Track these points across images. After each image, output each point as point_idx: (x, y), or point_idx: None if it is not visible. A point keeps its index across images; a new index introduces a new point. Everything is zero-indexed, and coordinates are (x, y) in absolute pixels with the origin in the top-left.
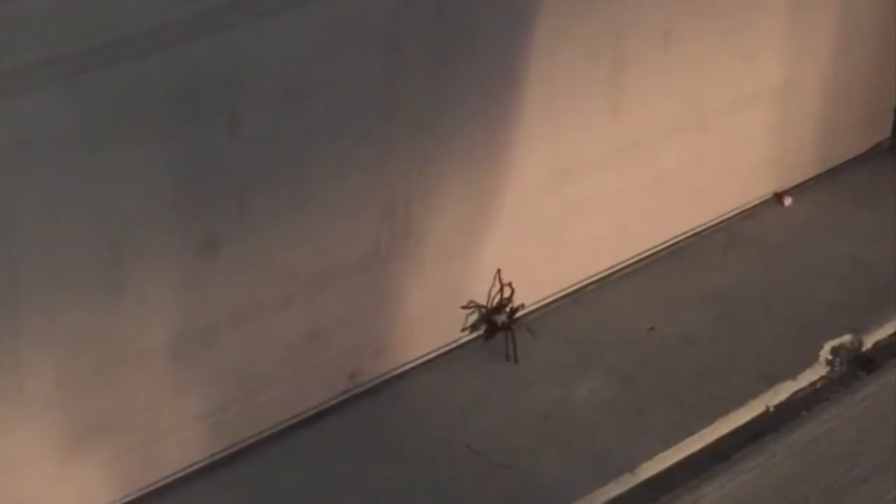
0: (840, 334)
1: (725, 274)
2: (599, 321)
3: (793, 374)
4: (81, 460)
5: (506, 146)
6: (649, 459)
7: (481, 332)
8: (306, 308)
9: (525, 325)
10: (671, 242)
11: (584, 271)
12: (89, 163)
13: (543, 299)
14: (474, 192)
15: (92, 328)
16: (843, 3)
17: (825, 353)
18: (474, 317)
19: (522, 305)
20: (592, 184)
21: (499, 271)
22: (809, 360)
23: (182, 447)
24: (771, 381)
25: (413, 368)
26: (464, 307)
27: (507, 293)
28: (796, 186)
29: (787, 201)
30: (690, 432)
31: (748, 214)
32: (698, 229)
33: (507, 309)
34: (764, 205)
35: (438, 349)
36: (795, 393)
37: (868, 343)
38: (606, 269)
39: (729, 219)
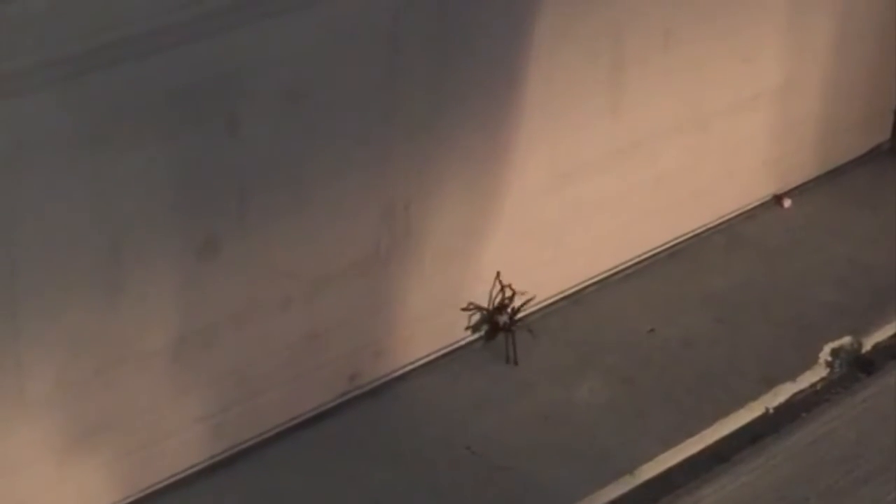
0: (840, 336)
1: (725, 276)
2: (599, 323)
3: (792, 376)
4: (81, 461)
5: (506, 147)
6: (649, 461)
7: (482, 333)
8: (306, 309)
9: (526, 327)
10: (671, 244)
11: (585, 273)
12: (89, 163)
13: (543, 301)
14: (474, 193)
15: (92, 329)
16: (842, 5)
17: (825, 354)
18: (476, 317)
19: (531, 300)
20: (592, 185)
21: (498, 273)
22: (809, 362)
23: (182, 448)
24: (771, 382)
25: (413, 370)
26: (464, 309)
27: (507, 294)
28: (796, 188)
29: (787, 203)
30: (690, 434)
31: (748, 216)
32: (698, 231)
33: (509, 310)
34: (764, 206)
35: (438, 351)
36: (795, 395)
37: (867, 345)
38: (606, 271)
39: (729, 220)
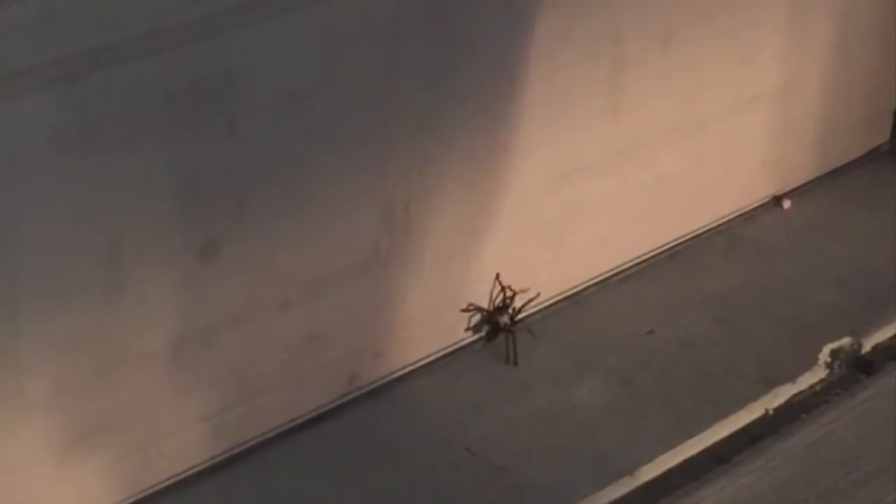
0: (839, 337)
1: (725, 277)
2: (599, 324)
3: (792, 377)
4: (81, 462)
5: (505, 148)
6: (649, 462)
7: (483, 333)
8: (305, 310)
9: (526, 328)
10: (670, 245)
11: (584, 274)
12: (89, 165)
13: (543, 302)
14: (474, 194)
15: (92, 330)
16: (842, 6)
17: (824, 355)
18: (476, 318)
19: (533, 299)
20: (592, 186)
21: (498, 275)
22: (808, 363)
23: (182, 450)
24: (770, 383)
25: (412, 371)
26: (464, 310)
27: (508, 295)
28: (795, 189)
29: (786, 204)
30: (690, 435)
31: (747, 217)
32: (698, 232)
33: (510, 310)
34: (763, 207)
35: (438, 352)
36: (794, 396)
37: (867, 346)
38: (606, 272)
39: (728, 221)
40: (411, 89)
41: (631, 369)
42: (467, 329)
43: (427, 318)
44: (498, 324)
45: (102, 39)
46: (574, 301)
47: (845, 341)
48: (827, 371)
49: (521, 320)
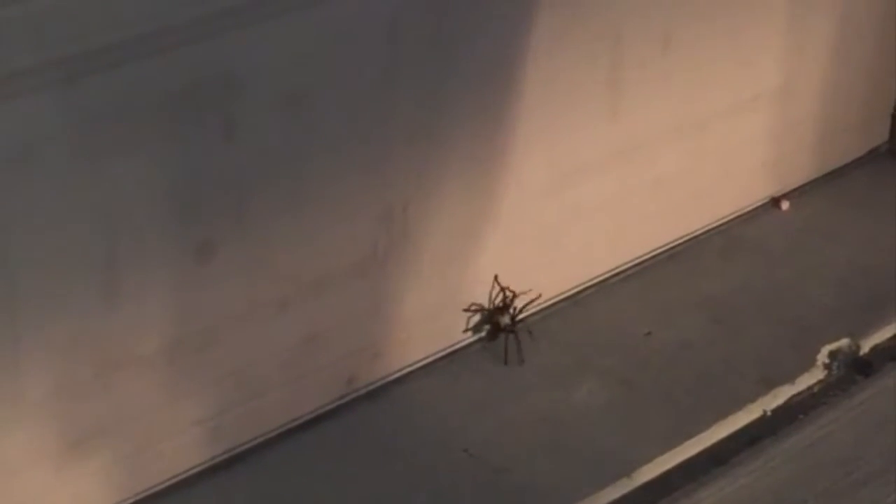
0: (837, 338)
1: (723, 278)
2: (598, 325)
3: (790, 378)
4: (79, 465)
5: (504, 149)
6: (647, 463)
7: (483, 333)
8: (304, 312)
9: (525, 328)
10: (669, 246)
11: (583, 275)
12: (87, 167)
13: (542, 303)
14: (473, 194)
15: (90, 332)
16: (841, 7)
17: (823, 357)
18: (476, 319)
19: (536, 299)
20: (591, 187)
21: (496, 277)
22: (807, 364)
23: (180, 451)
24: (769, 385)
25: (411, 372)
26: (466, 309)
27: (509, 296)
28: (794, 190)
29: (785, 205)
30: (688, 436)
31: (746, 218)
32: (696, 233)
33: (511, 311)
34: (762, 209)
35: (436, 353)
36: (793, 397)
37: (865, 347)
38: (605, 273)
39: (727, 223)
40: (410, 91)
41: (629, 370)
42: (466, 330)
43: (425, 320)
44: (498, 324)
45: (102, 40)
46: (573, 302)
47: (844, 342)
48: (825, 372)
49: (521, 321)
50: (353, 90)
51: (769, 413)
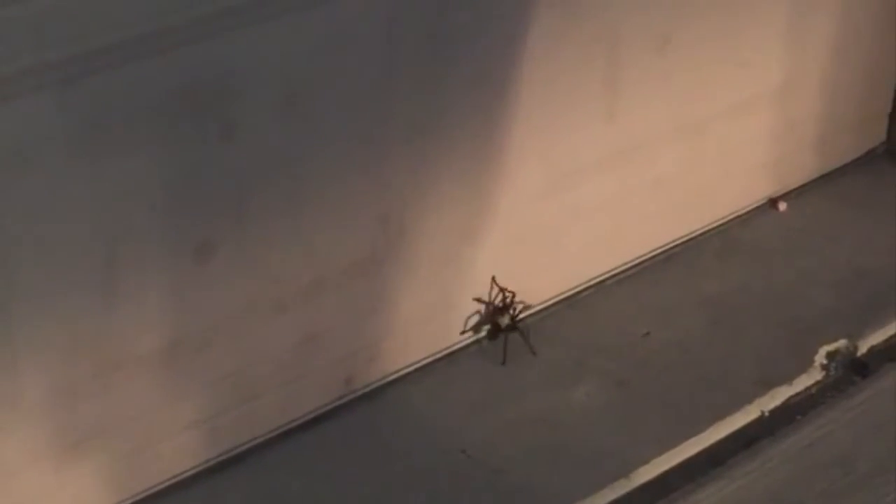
0: (835, 339)
1: (721, 279)
2: (596, 326)
3: (788, 379)
4: (78, 465)
5: (502, 150)
6: (645, 464)
7: (483, 334)
8: (302, 312)
9: (523, 329)
10: (667, 247)
11: (581, 276)
12: (85, 167)
13: (540, 304)
14: (470, 196)
15: (88, 333)
16: (839, 9)
17: (820, 357)
18: (475, 319)
19: (534, 299)
20: (589, 188)
21: (494, 278)
22: (804, 365)
23: (178, 452)
24: (766, 385)
25: (408, 373)
26: (476, 299)
27: (508, 296)
28: (791, 191)
29: (782, 206)
30: (686, 437)
31: (744, 219)
32: (694, 234)
33: (511, 311)
34: (760, 210)
35: (434, 354)
36: (790, 398)
37: (863, 348)
38: (602, 274)
39: (725, 224)
40: (408, 92)
41: (627, 371)
42: (464, 331)
43: (423, 321)
44: (499, 324)
45: (101, 41)
46: (570, 303)
47: (841, 343)
48: (823, 373)
49: (522, 320)
50: (352, 91)
51: (767, 414)
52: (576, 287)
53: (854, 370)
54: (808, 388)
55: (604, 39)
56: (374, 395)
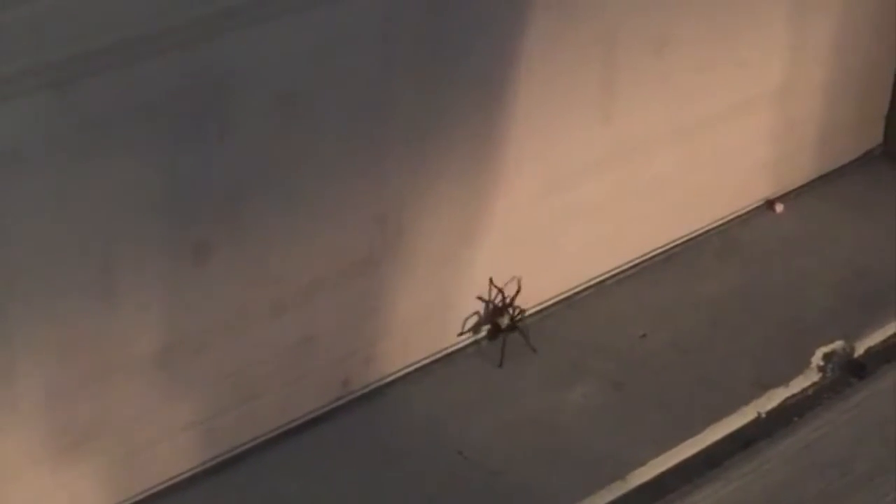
0: (832, 340)
1: (718, 280)
2: (593, 327)
3: (785, 381)
4: (76, 467)
5: (498, 153)
6: (641, 466)
7: (482, 334)
8: (299, 314)
9: (520, 331)
10: (665, 249)
11: (578, 277)
12: (83, 168)
13: (537, 305)
14: (468, 197)
15: (86, 334)
16: (838, 11)
17: (817, 359)
18: (474, 320)
19: (522, 312)
20: (587, 189)
21: (491, 279)
22: (801, 367)
23: (175, 454)
24: (763, 387)
25: (406, 375)
26: (479, 298)
27: (508, 296)
28: (789, 192)
29: (779, 208)
30: (682, 438)
31: (742, 220)
32: (692, 235)
33: (510, 310)
34: (757, 211)
35: (431, 355)
36: (787, 399)
37: (860, 349)
38: (600, 276)
39: (722, 225)
40: (406, 93)
41: (624, 372)
42: (462, 333)
43: (421, 322)
44: (499, 324)
45: (101, 41)
46: (568, 304)
47: (838, 345)
48: (820, 374)
49: (521, 320)
50: (349, 92)
51: (764, 415)
52: (574, 288)
53: (851, 371)
54: (804, 390)
55: (601, 41)
56: (372, 396)
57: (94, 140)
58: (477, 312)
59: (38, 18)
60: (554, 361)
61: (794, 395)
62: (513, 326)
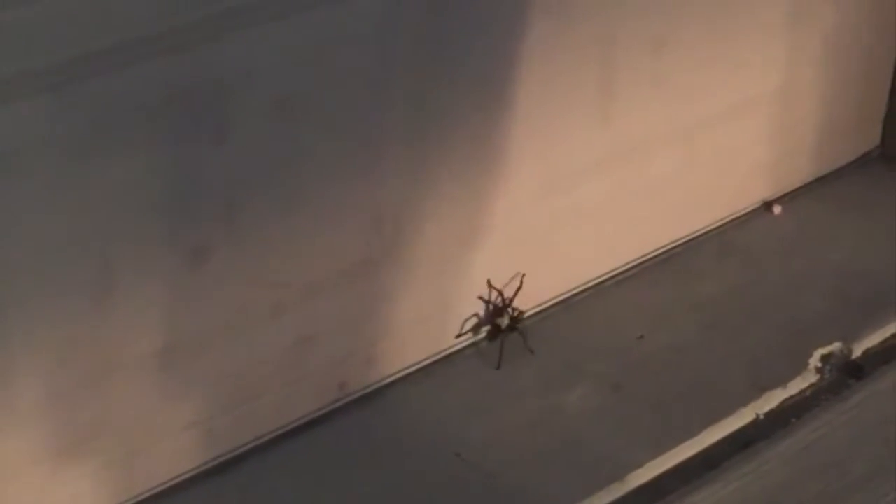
0: (830, 342)
1: (716, 282)
2: (590, 329)
3: (783, 382)
4: (75, 468)
5: (497, 153)
6: (639, 467)
7: (482, 335)
8: (297, 316)
9: (518, 332)
10: (663, 250)
11: (576, 279)
12: (79, 171)
13: (535, 306)
14: (467, 198)
15: (85, 336)
16: (835, 13)
17: (815, 360)
18: (473, 321)
19: (522, 313)
20: (586, 191)
21: (489, 280)
22: (799, 368)
23: (174, 455)
24: (761, 388)
25: (404, 377)
26: (480, 297)
27: (508, 297)
28: (786, 194)
29: (777, 209)
30: (680, 440)
31: (739, 222)
32: (690, 237)
33: (509, 311)
34: (755, 213)
35: (429, 358)
36: (785, 401)
37: (857, 351)
38: (598, 277)
39: (720, 227)
40: (405, 94)
41: (622, 374)
42: (460, 334)
43: (419, 324)
44: (499, 325)
45: (100, 43)
46: (565, 306)
47: (836, 346)
48: (818, 376)
49: (521, 320)
50: (349, 92)
51: (762, 417)
52: (572, 289)
53: (849, 373)
54: (802, 391)
55: (600, 42)
56: (370, 399)
57: (93, 141)
58: (476, 314)
59: (37, 19)
60: (552, 363)
61: (792, 397)
62: (512, 327)
